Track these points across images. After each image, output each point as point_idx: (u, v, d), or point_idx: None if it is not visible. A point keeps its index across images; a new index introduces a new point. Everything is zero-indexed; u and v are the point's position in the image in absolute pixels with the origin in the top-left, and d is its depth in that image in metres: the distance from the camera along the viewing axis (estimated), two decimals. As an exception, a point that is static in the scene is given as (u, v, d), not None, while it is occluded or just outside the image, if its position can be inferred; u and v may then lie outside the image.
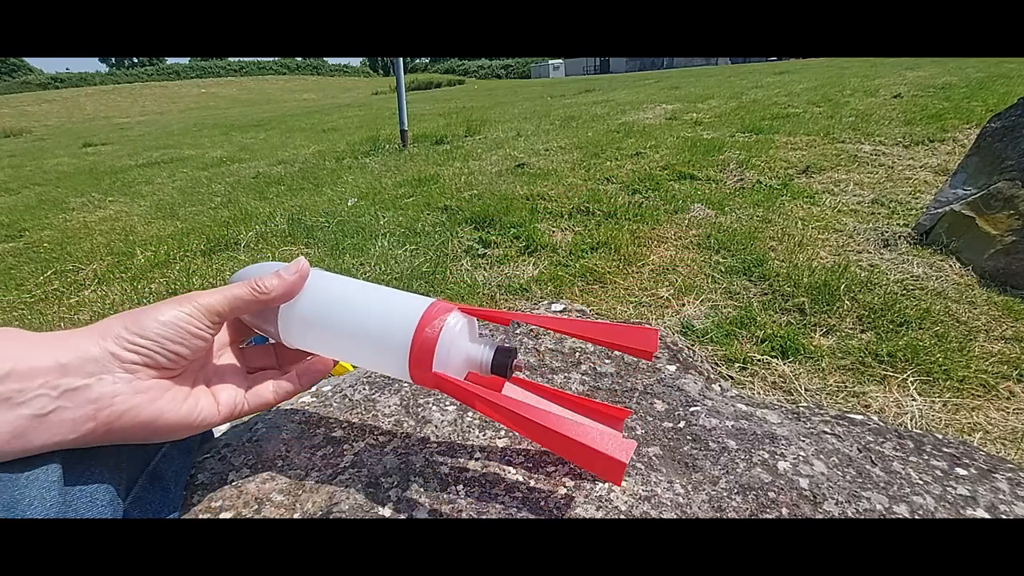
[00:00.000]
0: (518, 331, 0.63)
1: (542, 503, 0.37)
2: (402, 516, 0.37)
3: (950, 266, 1.76)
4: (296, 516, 0.38)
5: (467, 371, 0.38)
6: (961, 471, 0.42)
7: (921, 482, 0.40)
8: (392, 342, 0.36)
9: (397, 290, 0.39)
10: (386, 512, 0.37)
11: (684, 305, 1.61)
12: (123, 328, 0.32)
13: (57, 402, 0.29)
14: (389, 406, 0.50)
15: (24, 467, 0.29)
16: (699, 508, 0.37)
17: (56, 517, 0.28)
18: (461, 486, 0.39)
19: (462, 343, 0.37)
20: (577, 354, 0.58)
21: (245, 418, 0.43)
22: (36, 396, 0.28)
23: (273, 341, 0.42)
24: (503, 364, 0.36)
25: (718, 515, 0.36)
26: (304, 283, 0.39)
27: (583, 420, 0.40)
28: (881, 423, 0.49)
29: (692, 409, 0.48)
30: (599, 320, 0.42)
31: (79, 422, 0.29)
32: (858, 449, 0.44)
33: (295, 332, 0.39)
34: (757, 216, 2.28)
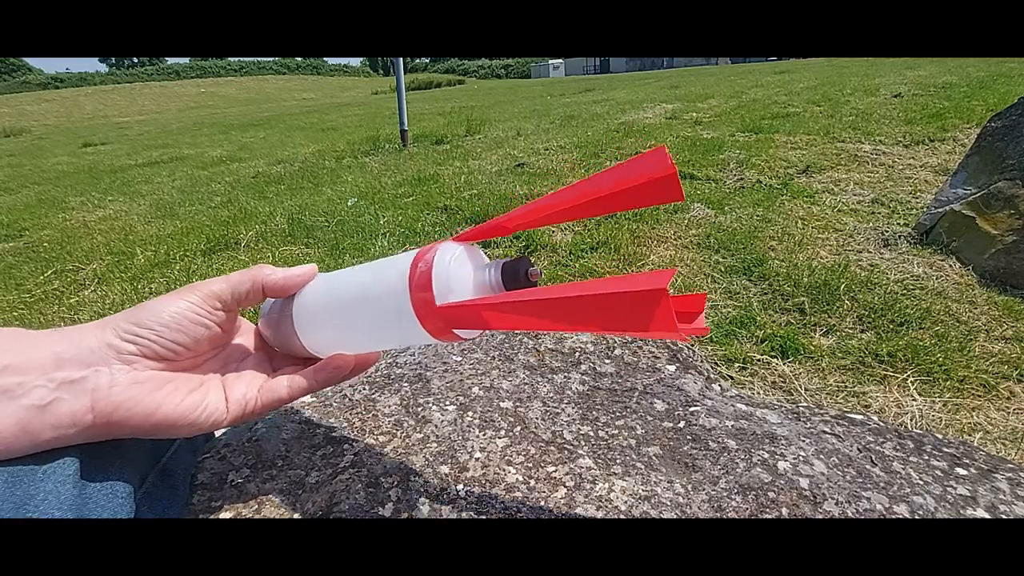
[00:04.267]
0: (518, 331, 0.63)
1: (542, 503, 0.37)
2: (402, 516, 0.37)
3: (950, 266, 1.76)
4: (296, 516, 0.38)
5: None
6: (961, 471, 0.42)
7: (921, 482, 0.40)
8: (391, 299, 0.33)
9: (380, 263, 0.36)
10: (386, 512, 0.37)
11: (684, 305, 1.61)
12: (122, 319, 0.32)
13: (55, 393, 0.28)
14: (389, 406, 0.50)
15: (40, 461, 0.29)
16: (699, 508, 0.37)
17: (73, 514, 0.28)
18: (461, 486, 0.39)
19: (462, 268, 0.32)
20: (577, 354, 0.58)
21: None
22: (34, 387, 0.28)
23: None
24: (515, 273, 0.32)
25: (718, 515, 0.36)
26: (308, 277, 0.37)
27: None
28: (881, 423, 0.49)
29: (692, 409, 0.48)
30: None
31: (78, 414, 0.29)
32: (858, 449, 0.44)
33: (309, 332, 0.37)
34: (757, 216, 2.28)
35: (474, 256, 0.34)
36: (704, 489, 0.39)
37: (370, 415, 0.48)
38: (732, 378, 1.26)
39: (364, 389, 0.53)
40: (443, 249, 0.32)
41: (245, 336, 0.40)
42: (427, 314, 0.31)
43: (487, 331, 0.32)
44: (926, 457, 0.44)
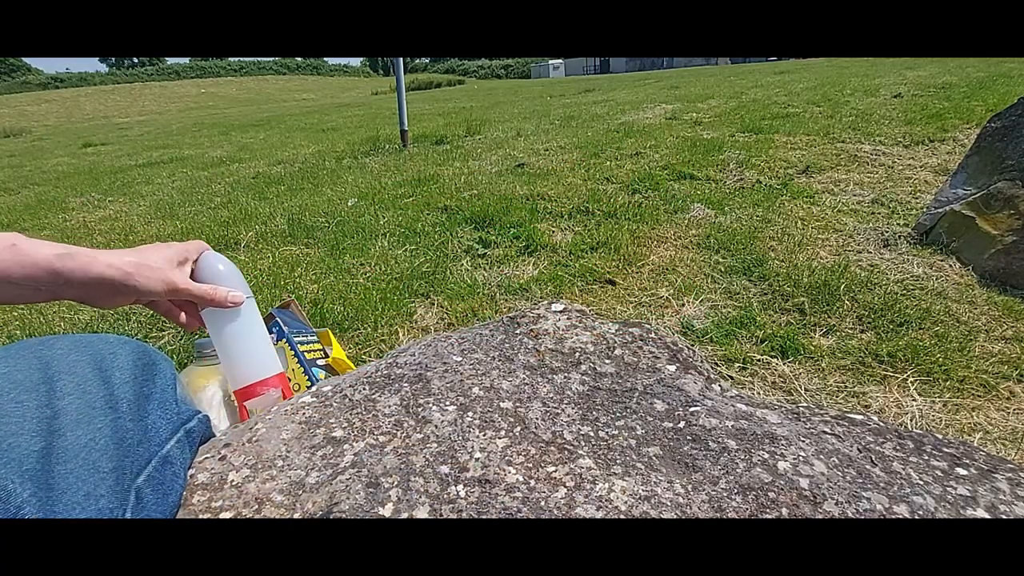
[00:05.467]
0: (518, 331, 0.63)
1: (542, 503, 0.37)
2: (402, 516, 0.37)
3: (950, 266, 1.76)
4: (296, 516, 0.38)
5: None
6: (961, 471, 0.42)
7: (921, 482, 0.40)
8: (238, 375, 0.61)
9: (267, 344, 0.65)
10: (386, 512, 0.37)
11: (684, 305, 1.61)
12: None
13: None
14: (389, 406, 0.50)
15: (8, 435, 0.31)
16: (699, 508, 0.37)
17: (33, 484, 0.30)
18: (461, 486, 0.39)
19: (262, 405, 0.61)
20: (577, 354, 0.58)
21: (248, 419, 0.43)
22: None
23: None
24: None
25: (718, 515, 0.36)
26: (228, 305, 0.59)
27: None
28: (881, 423, 0.49)
29: (692, 409, 0.48)
30: None
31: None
32: (858, 449, 0.44)
33: (207, 315, 0.61)
34: (757, 216, 2.28)
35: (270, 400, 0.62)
36: (704, 489, 0.39)
37: (370, 415, 0.48)
38: (732, 378, 1.26)
39: (364, 389, 0.53)
40: (271, 395, 0.61)
41: None
42: (238, 400, 0.62)
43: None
44: (926, 457, 0.44)
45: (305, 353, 0.87)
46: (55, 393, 0.36)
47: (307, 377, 0.82)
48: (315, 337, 0.96)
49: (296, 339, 0.87)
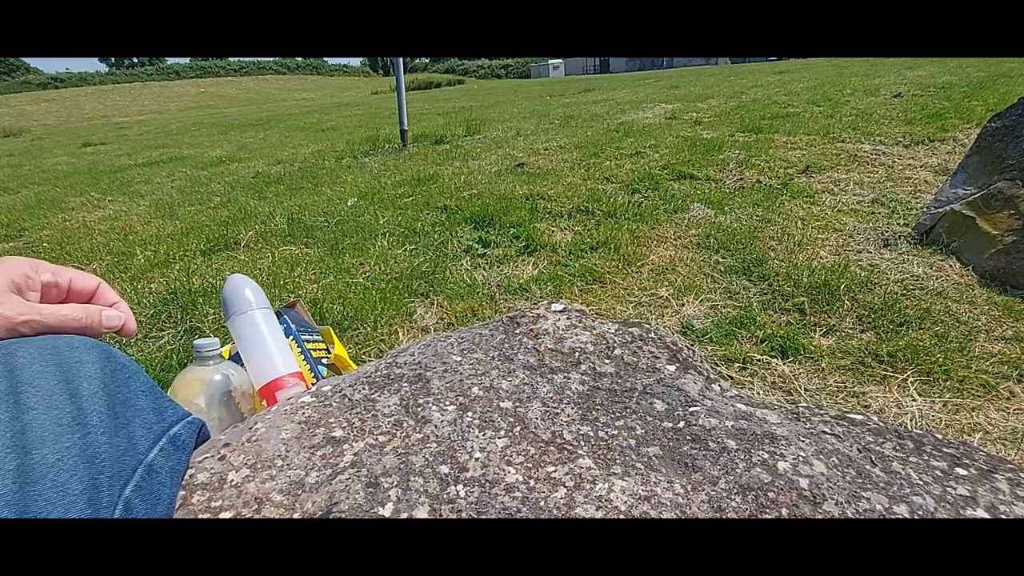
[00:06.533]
0: (517, 331, 0.63)
1: (542, 503, 0.37)
2: (402, 516, 0.37)
3: (950, 266, 1.76)
4: (296, 516, 0.38)
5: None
6: (961, 471, 0.42)
7: (921, 482, 0.40)
8: (260, 372, 0.67)
9: (284, 347, 0.70)
10: (386, 512, 0.37)
11: (684, 305, 1.61)
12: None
13: None
14: (389, 406, 0.50)
15: None
16: (699, 508, 0.37)
17: (9, 509, 0.29)
18: (461, 486, 0.39)
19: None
20: (577, 354, 0.58)
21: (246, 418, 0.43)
22: None
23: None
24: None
25: (718, 515, 0.36)
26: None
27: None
28: (881, 423, 0.49)
29: (692, 409, 0.48)
30: None
31: None
32: (858, 449, 0.44)
33: (232, 325, 0.70)
34: (757, 216, 2.28)
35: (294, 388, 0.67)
36: (704, 489, 0.39)
37: (370, 415, 0.48)
38: (732, 378, 1.26)
39: (364, 389, 0.53)
40: (289, 392, 0.65)
41: None
42: (261, 394, 0.67)
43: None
44: (926, 457, 0.44)
45: (311, 351, 0.87)
46: (21, 406, 0.33)
47: (313, 375, 0.82)
48: (319, 336, 0.96)
49: (303, 337, 0.88)
